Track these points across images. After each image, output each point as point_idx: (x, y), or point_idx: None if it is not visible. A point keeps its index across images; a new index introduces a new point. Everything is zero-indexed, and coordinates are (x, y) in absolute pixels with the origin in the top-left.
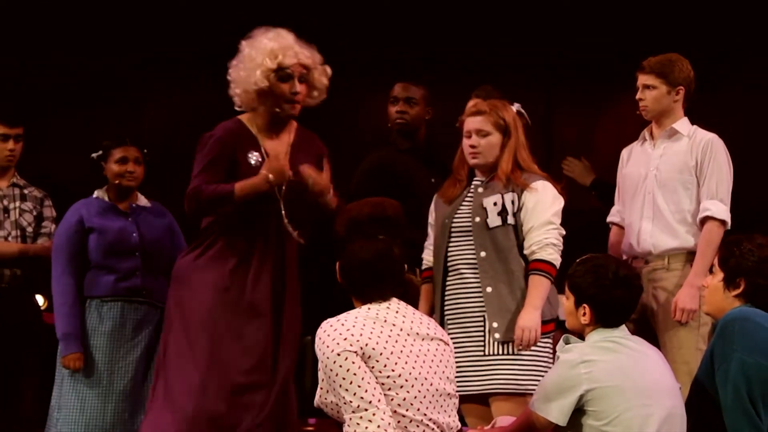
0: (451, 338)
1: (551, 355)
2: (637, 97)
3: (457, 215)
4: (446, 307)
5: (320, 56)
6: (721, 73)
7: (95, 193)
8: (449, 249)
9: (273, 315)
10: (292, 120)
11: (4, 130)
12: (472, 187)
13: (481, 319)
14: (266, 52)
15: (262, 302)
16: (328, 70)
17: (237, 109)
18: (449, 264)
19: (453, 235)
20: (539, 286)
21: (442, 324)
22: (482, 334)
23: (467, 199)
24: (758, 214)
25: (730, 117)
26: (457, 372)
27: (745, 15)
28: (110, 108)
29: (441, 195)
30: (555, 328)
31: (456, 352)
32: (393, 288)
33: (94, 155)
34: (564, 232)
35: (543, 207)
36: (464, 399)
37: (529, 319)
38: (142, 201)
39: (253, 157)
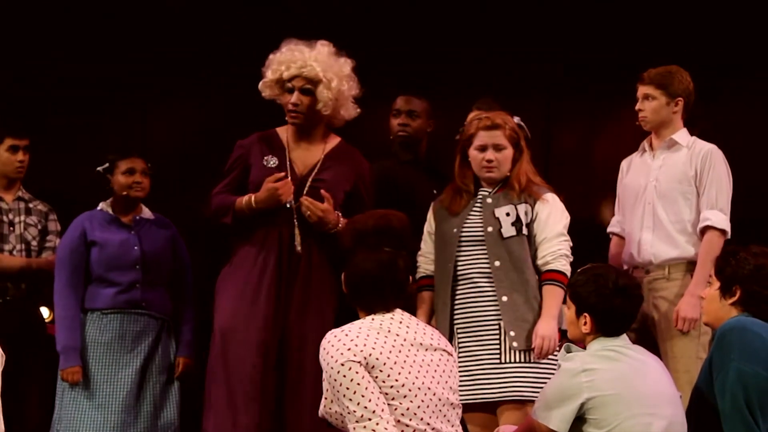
0: (464, 346)
1: (556, 365)
2: (637, 107)
3: (466, 225)
4: (457, 316)
5: (344, 70)
6: (722, 84)
7: (99, 206)
8: (459, 258)
9: (276, 324)
10: (330, 133)
11: (13, 141)
12: (480, 197)
13: (496, 327)
14: (272, 64)
15: (267, 311)
16: (334, 82)
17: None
18: (459, 273)
19: (463, 244)
20: (555, 296)
21: (452, 332)
22: (497, 342)
23: (475, 209)
24: (758, 223)
25: (730, 128)
26: (470, 379)
27: (746, 26)
28: (115, 113)
29: (444, 205)
30: (561, 337)
31: (469, 360)
32: (397, 299)
33: (100, 168)
34: (572, 244)
35: (555, 218)
36: (468, 408)
37: (548, 329)
38: (146, 213)
39: (270, 161)
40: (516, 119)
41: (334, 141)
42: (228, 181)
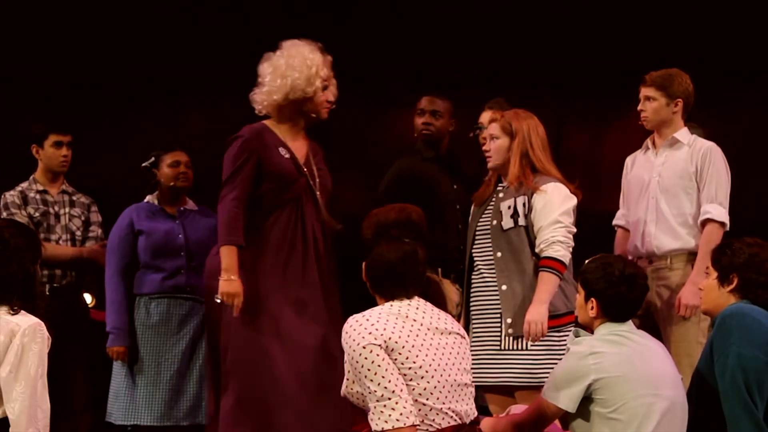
0: (474, 333)
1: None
2: (639, 108)
3: (481, 219)
4: (471, 304)
5: None
6: (725, 87)
7: (147, 198)
8: (473, 250)
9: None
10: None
11: (57, 137)
12: (496, 191)
13: (499, 315)
14: (315, 63)
15: (311, 297)
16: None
17: (258, 114)
18: (474, 264)
19: (477, 236)
20: (546, 282)
21: (467, 319)
22: (499, 329)
23: (491, 203)
24: (758, 224)
25: (732, 129)
26: (478, 364)
27: (750, 32)
28: (153, 114)
29: (473, 198)
30: (576, 320)
31: (477, 346)
32: (416, 287)
33: (146, 164)
34: (574, 230)
35: (551, 207)
36: (487, 388)
37: (536, 313)
38: (190, 205)
39: (284, 153)
40: None
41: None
42: (243, 180)
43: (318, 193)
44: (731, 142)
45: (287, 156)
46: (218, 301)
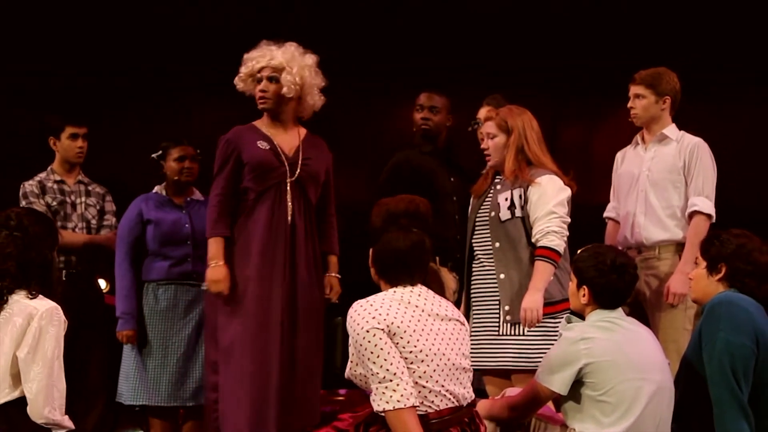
0: (474, 319)
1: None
2: (629, 105)
3: (480, 210)
4: (471, 292)
5: (307, 61)
6: (725, 87)
7: (155, 189)
8: (473, 240)
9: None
10: (298, 124)
11: (73, 129)
12: (494, 184)
13: (497, 302)
14: (246, 61)
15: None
16: (295, 69)
17: None
18: (474, 253)
19: (476, 227)
20: (541, 271)
21: (468, 306)
22: (498, 315)
23: (489, 195)
24: (758, 223)
25: (732, 129)
26: (477, 349)
27: (750, 32)
28: (162, 111)
29: (472, 191)
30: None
31: (477, 332)
32: (420, 275)
33: (154, 155)
34: (569, 220)
35: (546, 199)
36: (485, 371)
37: (531, 301)
38: (197, 195)
39: (263, 144)
40: None
41: (303, 130)
42: (225, 178)
43: (290, 180)
44: (731, 142)
45: (266, 147)
46: (204, 287)
